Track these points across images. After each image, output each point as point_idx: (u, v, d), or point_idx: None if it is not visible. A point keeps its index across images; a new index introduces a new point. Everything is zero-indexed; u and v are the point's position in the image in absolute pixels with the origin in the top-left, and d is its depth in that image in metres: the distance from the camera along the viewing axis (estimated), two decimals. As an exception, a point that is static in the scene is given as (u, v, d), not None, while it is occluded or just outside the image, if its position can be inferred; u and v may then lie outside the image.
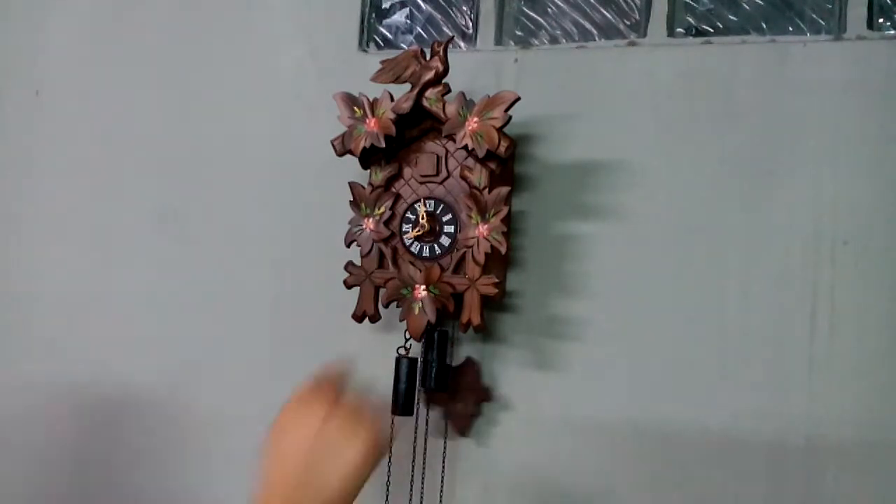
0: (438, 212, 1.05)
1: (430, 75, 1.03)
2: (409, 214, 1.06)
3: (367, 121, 1.05)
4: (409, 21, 1.24)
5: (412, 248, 1.06)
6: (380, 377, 1.11)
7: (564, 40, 1.15)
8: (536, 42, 1.16)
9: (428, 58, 1.04)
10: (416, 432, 1.08)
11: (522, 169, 1.09)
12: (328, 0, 1.23)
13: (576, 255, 1.07)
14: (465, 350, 1.10)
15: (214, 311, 1.24)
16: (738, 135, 1.02)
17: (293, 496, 0.72)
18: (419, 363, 1.05)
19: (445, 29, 1.22)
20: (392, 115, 1.04)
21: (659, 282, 1.04)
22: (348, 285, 1.08)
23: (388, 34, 1.24)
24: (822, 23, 1.04)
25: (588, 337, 1.06)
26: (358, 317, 1.07)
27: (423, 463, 1.08)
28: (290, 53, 1.24)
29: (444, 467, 1.08)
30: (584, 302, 1.06)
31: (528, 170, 1.09)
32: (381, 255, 1.07)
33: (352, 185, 1.09)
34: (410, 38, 1.24)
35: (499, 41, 1.16)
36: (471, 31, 1.19)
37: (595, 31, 1.14)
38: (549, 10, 1.16)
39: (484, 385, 1.09)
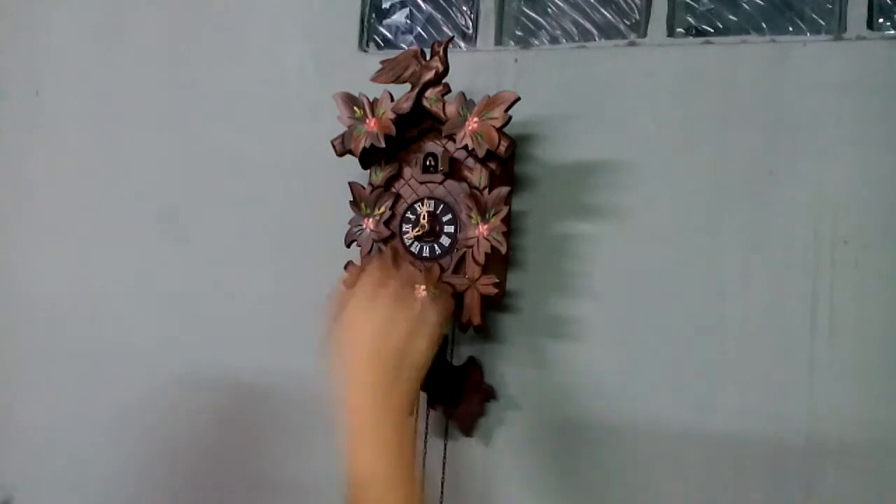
0: (438, 212, 1.05)
1: (430, 75, 1.03)
2: (409, 214, 1.07)
3: (367, 121, 1.05)
4: (409, 21, 1.24)
5: (412, 249, 1.06)
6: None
7: (564, 40, 1.15)
8: (536, 42, 1.16)
9: (428, 58, 1.04)
10: (415, 433, 1.08)
11: (522, 169, 1.09)
12: (328, 0, 1.23)
13: (576, 255, 1.07)
14: (465, 350, 1.10)
15: (213, 312, 1.24)
16: (738, 135, 1.02)
17: (379, 368, 0.81)
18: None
19: (445, 29, 1.22)
20: (392, 115, 1.04)
21: (659, 282, 1.04)
22: (348, 285, 1.08)
23: (388, 34, 1.24)
24: (822, 23, 1.04)
25: (588, 337, 1.06)
26: (358, 317, 1.07)
27: (423, 463, 1.08)
28: (290, 53, 1.24)
29: (444, 467, 1.08)
30: (585, 302, 1.06)
31: (528, 170, 1.09)
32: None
33: (352, 185, 1.09)
34: (410, 38, 1.24)
35: (499, 41, 1.16)
36: (471, 31, 1.19)
37: (595, 31, 1.14)
38: (549, 10, 1.16)
39: (488, 384, 1.09)
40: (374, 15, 1.24)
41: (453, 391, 1.07)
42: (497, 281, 1.01)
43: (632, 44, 1.09)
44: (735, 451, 0.99)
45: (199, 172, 1.28)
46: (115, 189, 1.32)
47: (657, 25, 1.08)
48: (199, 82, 1.29)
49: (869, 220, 0.97)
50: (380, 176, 1.08)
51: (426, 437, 1.08)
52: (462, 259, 1.03)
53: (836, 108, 0.99)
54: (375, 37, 1.24)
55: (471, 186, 1.03)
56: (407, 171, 1.08)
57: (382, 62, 1.07)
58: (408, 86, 1.04)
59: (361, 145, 1.05)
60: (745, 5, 1.08)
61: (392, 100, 1.04)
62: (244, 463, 1.21)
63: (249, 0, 1.28)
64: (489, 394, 1.09)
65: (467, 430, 1.09)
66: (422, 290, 1.02)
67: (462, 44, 1.19)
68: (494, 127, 0.98)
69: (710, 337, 1.01)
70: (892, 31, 1.00)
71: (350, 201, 1.09)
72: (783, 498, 0.97)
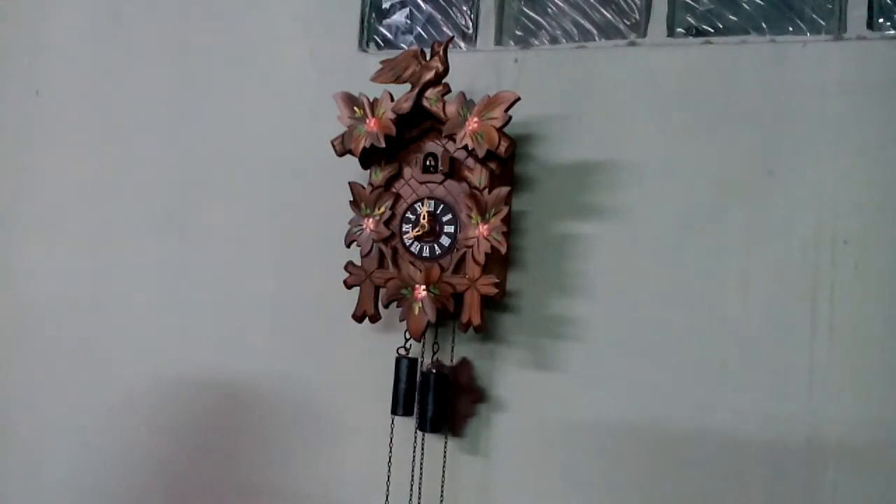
0: (438, 212, 1.05)
1: (430, 75, 1.03)
2: (409, 214, 1.07)
3: (367, 121, 1.05)
4: (409, 21, 1.24)
5: (412, 248, 1.06)
6: (380, 377, 1.12)
7: (564, 40, 1.15)
8: (536, 42, 1.16)
9: (428, 58, 1.04)
10: (415, 432, 1.08)
11: (522, 169, 1.09)
12: (328, 0, 1.23)
13: (576, 255, 1.07)
14: (464, 350, 1.10)
15: (214, 311, 1.24)
16: (738, 135, 1.02)
17: None
18: (419, 364, 1.06)
19: (445, 29, 1.22)
20: (392, 115, 1.04)
21: (659, 282, 1.04)
22: (348, 285, 1.08)
23: (388, 34, 1.24)
24: (822, 23, 1.04)
25: (588, 337, 1.06)
26: (358, 317, 1.07)
27: (423, 462, 1.08)
28: (290, 53, 1.24)
29: (444, 467, 1.08)
30: (584, 302, 1.06)
31: (528, 170, 1.09)
32: (381, 255, 1.07)
33: (352, 185, 1.09)
34: (410, 38, 1.24)
35: (499, 41, 1.16)
36: (471, 31, 1.19)
37: (595, 31, 1.14)
38: (549, 10, 1.16)
39: (478, 386, 1.09)
40: (374, 15, 1.24)
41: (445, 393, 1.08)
42: (497, 281, 1.01)
43: (632, 44, 1.09)
44: (735, 451, 0.99)
45: (198, 172, 1.28)
46: (115, 189, 1.32)
47: (657, 25, 1.08)
48: (200, 82, 1.29)
49: (869, 220, 0.97)
50: (380, 176, 1.08)
51: (424, 437, 1.08)
52: (462, 259, 1.03)
53: (835, 108, 0.99)
54: (375, 37, 1.24)
55: (471, 186, 1.03)
56: (407, 171, 1.08)
57: (382, 62, 1.07)
58: (408, 86, 1.04)
59: (361, 145, 1.05)
60: (745, 5, 1.08)
61: (392, 100, 1.04)
62: (242, 466, 1.21)
63: (250, 0, 1.28)
64: (478, 396, 1.09)
65: (457, 430, 1.09)
66: (422, 290, 1.02)
67: (462, 44, 1.19)
68: (494, 127, 0.98)
69: (710, 337, 1.01)
70: (892, 31, 1.00)
71: (350, 201, 1.09)
72: (783, 498, 0.97)
